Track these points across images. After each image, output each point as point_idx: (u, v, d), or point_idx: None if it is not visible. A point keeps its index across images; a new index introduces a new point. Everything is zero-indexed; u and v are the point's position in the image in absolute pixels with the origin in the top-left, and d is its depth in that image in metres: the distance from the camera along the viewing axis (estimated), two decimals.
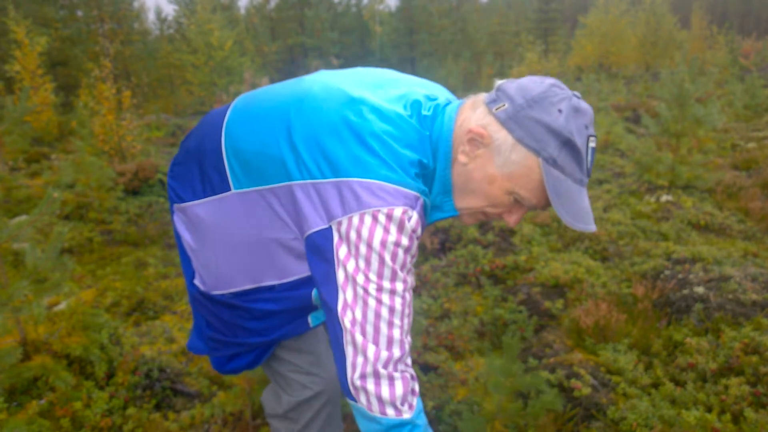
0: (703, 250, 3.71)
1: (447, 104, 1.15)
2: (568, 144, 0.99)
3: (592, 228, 1.04)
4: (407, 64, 34.33)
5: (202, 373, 2.68)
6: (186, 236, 1.30)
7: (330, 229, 1.03)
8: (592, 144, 1.03)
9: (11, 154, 8.01)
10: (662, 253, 3.78)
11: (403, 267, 1.02)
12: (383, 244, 0.99)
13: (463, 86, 25.97)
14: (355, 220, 0.99)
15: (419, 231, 1.03)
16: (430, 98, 1.14)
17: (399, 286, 1.02)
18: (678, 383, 2.42)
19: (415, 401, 1.05)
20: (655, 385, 2.43)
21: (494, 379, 1.96)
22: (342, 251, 1.01)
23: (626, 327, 2.86)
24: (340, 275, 1.02)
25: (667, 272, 3.41)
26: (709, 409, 2.19)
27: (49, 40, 14.21)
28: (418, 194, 1.03)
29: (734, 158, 6.91)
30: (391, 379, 1.02)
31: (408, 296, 1.05)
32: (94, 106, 7.91)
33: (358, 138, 1.03)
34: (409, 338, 1.06)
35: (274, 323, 1.31)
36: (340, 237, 1.01)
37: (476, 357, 2.82)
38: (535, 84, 1.03)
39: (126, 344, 2.75)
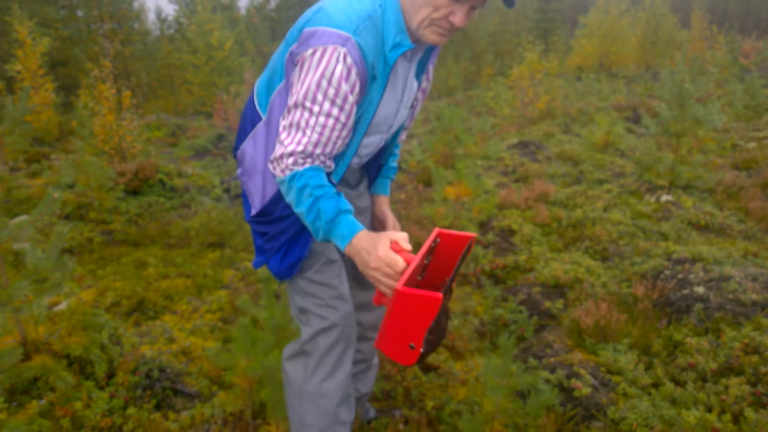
0: (704, 250, 3.70)
1: None
2: None
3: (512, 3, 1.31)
4: None
5: (202, 373, 2.68)
6: (242, 178, 1.67)
7: (294, 64, 1.42)
8: None
9: (11, 154, 8.01)
10: (662, 253, 3.78)
11: (337, 94, 1.34)
12: (323, 72, 1.32)
13: (464, 86, 25.95)
14: (306, 54, 1.35)
15: (350, 63, 1.33)
16: None
17: (333, 110, 1.35)
18: (678, 383, 2.42)
19: (308, 164, 1.38)
20: (656, 385, 2.42)
21: (491, 380, 1.97)
22: (294, 77, 1.41)
23: (626, 327, 2.86)
24: (289, 95, 1.42)
25: (667, 272, 3.41)
26: (710, 409, 2.19)
27: (50, 41, 14.21)
28: (348, 35, 1.33)
29: (734, 158, 6.91)
30: (290, 156, 1.38)
31: (324, 121, 1.36)
32: (94, 106, 7.91)
33: (317, 7, 1.41)
34: (317, 151, 1.39)
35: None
36: (297, 67, 1.39)
37: (476, 357, 2.82)
38: None
39: (126, 344, 2.75)
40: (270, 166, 1.43)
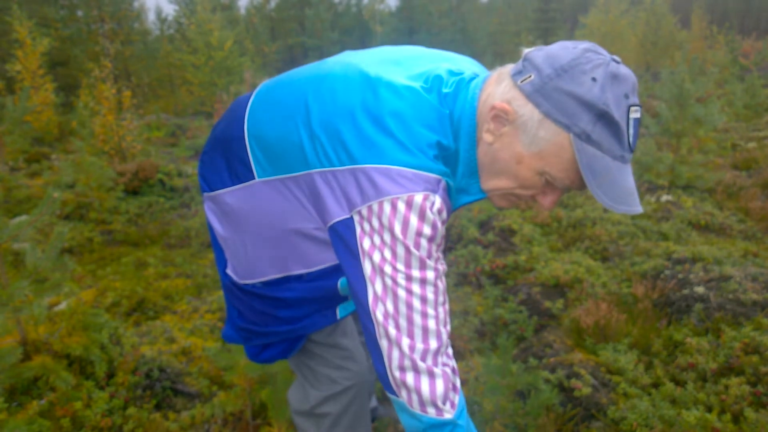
0: (704, 249, 3.70)
1: (472, 79, 1.06)
2: (603, 117, 0.88)
3: (637, 209, 0.95)
4: None
5: (202, 373, 2.68)
6: (216, 225, 1.28)
7: (351, 219, 0.98)
8: (635, 114, 0.91)
9: (11, 154, 8.01)
10: (662, 252, 3.78)
11: (429, 255, 0.96)
12: (405, 232, 0.93)
13: None
14: (375, 208, 0.94)
15: (443, 215, 0.98)
16: (453, 73, 1.06)
17: (429, 275, 0.96)
18: (678, 383, 2.42)
19: (457, 399, 1.01)
20: (656, 385, 2.43)
21: (491, 380, 1.97)
22: (366, 242, 0.97)
23: (626, 327, 2.86)
24: (367, 267, 0.97)
25: (667, 272, 3.41)
26: (710, 409, 2.19)
27: (50, 41, 14.21)
28: (439, 177, 0.97)
29: (734, 158, 6.91)
30: (431, 375, 0.97)
31: (441, 284, 0.99)
32: (95, 106, 7.92)
33: (374, 120, 0.98)
34: (447, 327, 1.01)
35: (303, 312, 1.30)
36: (362, 227, 0.97)
37: (476, 357, 2.82)
38: (565, 50, 0.92)
39: (126, 344, 2.75)
40: (394, 386, 1.00)
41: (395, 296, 0.96)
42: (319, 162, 1.02)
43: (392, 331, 0.97)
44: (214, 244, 1.36)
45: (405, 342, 0.96)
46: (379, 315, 0.98)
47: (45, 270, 2.29)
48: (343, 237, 1.01)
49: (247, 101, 1.21)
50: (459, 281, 3.74)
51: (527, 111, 0.94)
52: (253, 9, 34.25)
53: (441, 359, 0.99)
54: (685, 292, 3.09)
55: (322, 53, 29.37)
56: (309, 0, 32.71)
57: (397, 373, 0.98)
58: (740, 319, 2.76)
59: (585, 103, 0.88)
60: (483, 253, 4.00)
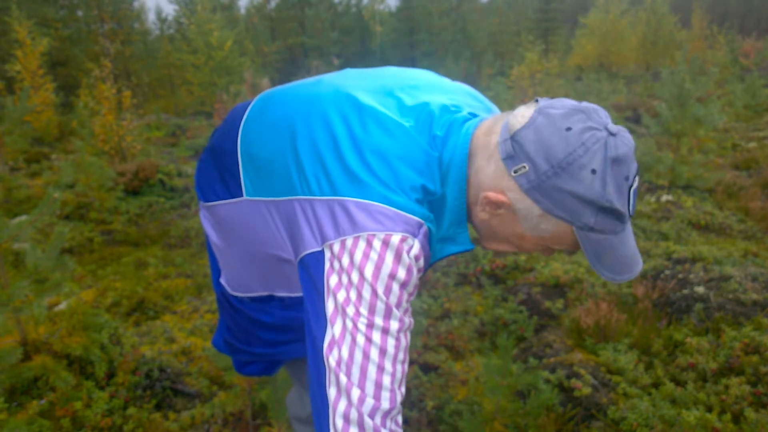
0: (704, 249, 3.70)
1: (466, 120, 1.00)
2: (606, 210, 0.85)
3: (636, 273, 0.93)
4: (407, 64, 34.17)
5: (202, 373, 2.68)
6: (211, 234, 1.24)
7: (322, 252, 0.92)
8: (634, 186, 0.87)
9: (11, 154, 8.01)
10: (662, 252, 3.78)
11: (398, 304, 0.89)
12: (377, 274, 0.87)
13: None
14: (349, 243, 0.88)
15: (420, 263, 0.91)
16: (447, 111, 1.00)
17: (393, 325, 0.88)
18: (678, 383, 2.42)
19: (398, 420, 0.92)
20: (656, 385, 2.42)
21: (491, 380, 1.97)
22: (333, 279, 0.90)
23: (626, 327, 2.86)
24: (330, 306, 0.89)
25: (667, 272, 3.41)
26: (710, 409, 2.19)
27: (50, 41, 14.22)
28: (421, 221, 0.91)
29: (734, 158, 6.91)
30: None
31: (404, 340, 0.90)
32: (95, 106, 7.92)
33: (359, 153, 0.93)
34: (402, 390, 0.92)
35: (286, 338, 1.26)
36: (332, 263, 0.90)
37: (476, 357, 2.82)
38: (558, 135, 0.85)
39: (126, 344, 2.75)
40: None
41: (353, 342, 0.87)
42: (302, 189, 0.97)
43: (343, 378, 0.87)
44: (210, 252, 1.35)
45: (355, 393, 0.87)
46: (332, 360, 0.88)
47: (45, 270, 2.29)
48: (309, 270, 0.94)
49: (243, 113, 1.16)
50: (459, 281, 3.74)
51: (526, 205, 0.90)
52: (253, 9, 34.24)
53: (390, 424, 0.89)
54: (685, 292, 3.09)
55: (322, 53, 29.37)
56: (309, 0, 32.70)
57: (339, 423, 0.88)
58: (740, 319, 2.76)
59: (587, 201, 0.84)
60: (483, 253, 4.00)
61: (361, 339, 0.87)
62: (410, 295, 0.92)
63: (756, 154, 6.82)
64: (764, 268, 3.35)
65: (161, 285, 3.87)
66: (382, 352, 0.88)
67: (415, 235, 0.89)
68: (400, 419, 0.92)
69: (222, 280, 1.29)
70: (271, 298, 1.22)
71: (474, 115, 1.03)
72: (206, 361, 2.76)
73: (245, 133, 1.12)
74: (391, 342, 0.88)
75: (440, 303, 3.36)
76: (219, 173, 1.17)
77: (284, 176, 1.00)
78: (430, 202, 0.96)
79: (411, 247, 0.89)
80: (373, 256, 0.87)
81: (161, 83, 24.48)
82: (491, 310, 3.28)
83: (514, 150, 0.88)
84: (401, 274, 0.88)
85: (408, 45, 33.50)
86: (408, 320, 0.92)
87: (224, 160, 1.15)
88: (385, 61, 31.69)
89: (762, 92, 10.96)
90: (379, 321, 0.88)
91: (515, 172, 0.88)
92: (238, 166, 1.11)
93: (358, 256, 0.87)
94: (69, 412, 2.22)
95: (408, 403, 2.42)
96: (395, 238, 0.87)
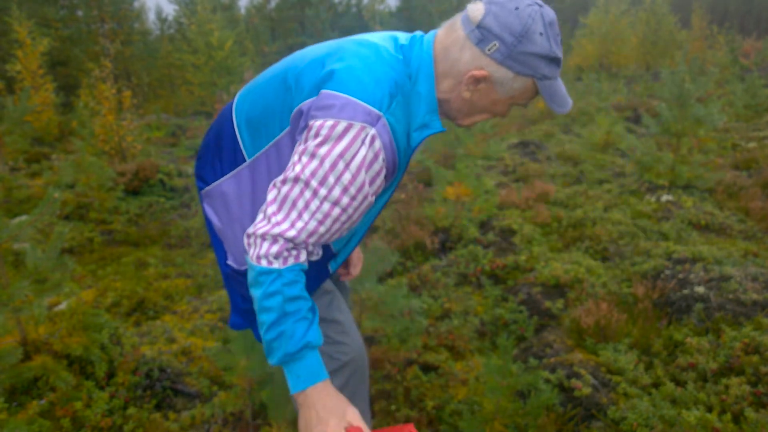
0: (704, 249, 3.70)
1: (423, 35, 1.30)
2: (553, 59, 1.17)
3: (569, 107, 1.24)
4: None
5: (202, 373, 2.68)
6: (213, 219, 1.41)
7: (297, 137, 1.19)
8: (560, 37, 1.19)
9: (12, 154, 8.01)
10: (662, 252, 3.78)
11: (339, 178, 1.10)
12: (332, 151, 1.09)
13: None
14: (317, 124, 1.11)
15: (377, 145, 1.12)
16: (407, 34, 1.33)
17: (322, 192, 1.10)
18: (678, 383, 2.42)
19: (291, 261, 1.12)
20: (656, 385, 2.42)
21: (491, 380, 1.97)
22: (300, 144, 1.14)
23: (626, 327, 2.86)
24: (292, 164, 1.13)
25: (667, 272, 3.41)
26: (710, 409, 2.19)
27: (50, 41, 14.21)
28: (380, 113, 1.13)
29: (735, 158, 6.91)
30: (274, 242, 1.11)
31: (328, 209, 1.12)
32: (95, 106, 7.92)
33: (339, 59, 1.19)
34: (311, 240, 1.14)
35: None
36: (303, 137, 1.14)
37: (477, 357, 2.82)
38: (512, 15, 1.14)
39: (126, 344, 2.75)
40: (245, 239, 1.15)
41: (293, 186, 1.11)
42: (292, 105, 1.21)
43: (272, 207, 1.13)
44: (214, 239, 1.46)
45: (275, 218, 1.12)
46: (270, 194, 1.14)
47: (45, 270, 2.29)
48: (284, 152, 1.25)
49: (231, 104, 1.40)
50: (459, 281, 3.74)
51: (501, 73, 1.18)
52: (253, 9, 34.24)
53: (288, 246, 1.12)
54: (686, 292, 3.09)
55: None
56: (309, 0, 32.69)
57: (253, 231, 1.12)
58: (740, 319, 2.76)
59: (543, 56, 1.15)
60: (483, 253, 4.00)
61: (307, 193, 1.10)
62: (371, 180, 1.14)
63: (756, 154, 6.81)
64: (764, 268, 3.34)
65: (161, 285, 3.87)
66: (306, 205, 1.11)
67: (372, 125, 1.11)
68: (300, 255, 1.14)
69: (229, 262, 1.42)
70: None
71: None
72: (206, 361, 2.76)
73: (238, 110, 1.36)
74: (315, 203, 1.11)
75: (440, 303, 3.36)
76: (219, 157, 1.38)
77: (278, 113, 1.25)
78: (405, 96, 1.19)
79: (367, 135, 1.11)
80: (342, 138, 1.09)
81: (161, 83, 24.47)
82: (491, 310, 3.28)
83: (483, 35, 1.16)
84: (361, 153, 1.10)
85: None
86: (352, 211, 1.15)
87: (223, 144, 1.37)
88: None
89: (762, 92, 10.95)
90: (314, 183, 1.10)
91: (489, 50, 1.16)
92: (236, 138, 1.33)
93: (328, 134, 1.10)
94: (69, 412, 2.22)
95: (408, 403, 2.42)
96: (354, 127, 1.10)
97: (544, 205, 5.15)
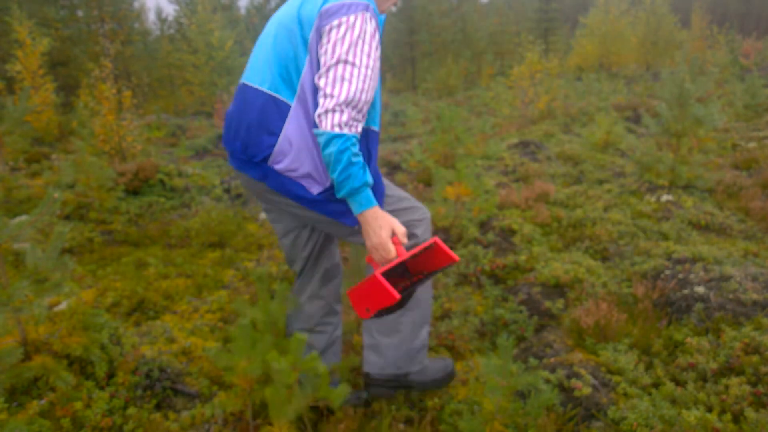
0: (704, 249, 3.70)
1: None
2: None
3: None
4: (407, 64, 34.29)
5: (202, 373, 2.68)
6: (290, 166, 1.82)
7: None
8: None
9: (12, 154, 8.00)
10: (663, 252, 3.78)
11: (376, 47, 1.72)
12: (353, 34, 1.65)
13: (464, 86, 25.94)
14: (335, 22, 1.67)
15: (374, 23, 1.72)
16: None
17: (357, 62, 1.65)
18: (678, 383, 2.42)
19: (354, 130, 1.64)
20: (656, 385, 2.42)
21: (491, 380, 1.96)
22: (327, 44, 1.69)
23: (626, 327, 2.86)
24: (327, 55, 1.69)
25: (667, 272, 3.41)
26: (710, 409, 2.19)
27: (50, 41, 14.21)
28: (368, 2, 1.73)
29: (735, 158, 6.91)
30: (341, 112, 1.62)
31: (364, 72, 1.67)
32: (95, 106, 7.91)
33: None
34: (363, 97, 1.66)
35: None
36: (327, 38, 1.69)
37: (477, 357, 2.82)
38: None
39: (126, 344, 2.75)
40: (316, 119, 1.64)
41: (344, 67, 1.65)
42: (303, 42, 1.75)
43: (335, 87, 1.65)
44: (292, 186, 1.87)
45: (335, 91, 1.64)
46: (322, 81, 1.69)
47: (45, 270, 2.29)
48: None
49: (245, 86, 1.92)
50: (459, 281, 3.74)
51: None
52: (254, 9, 34.22)
53: (353, 113, 1.65)
54: (686, 292, 3.09)
55: None
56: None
57: (320, 110, 1.65)
58: (740, 319, 2.76)
59: None
60: (483, 253, 4.00)
61: (348, 67, 1.65)
62: (377, 45, 1.73)
63: (756, 154, 6.81)
64: (764, 268, 3.34)
65: (161, 285, 3.87)
66: (360, 73, 1.66)
67: (368, 10, 1.71)
68: (361, 116, 1.70)
69: (313, 191, 1.86)
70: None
71: None
72: (206, 361, 2.76)
73: (261, 81, 1.87)
74: (365, 70, 1.68)
75: (440, 303, 3.36)
76: (264, 127, 1.82)
77: (294, 47, 1.78)
78: None
79: (367, 17, 1.69)
80: (356, 23, 1.67)
81: (161, 83, 24.45)
82: (491, 310, 3.28)
83: None
84: (369, 29, 1.69)
85: (408, 45, 33.49)
86: (376, 69, 1.72)
87: (263, 117, 1.82)
88: (385, 61, 31.65)
89: (762, 92, 10.95)
90: (359, 55, 1.67)
91: None
92: (275, 99, 1.80)
93: (347, 24, 1.67)
94: (69, 412, 2.22)
95: (408, 402, 2.42)
96: (360, 13, 1.69)
97: (544, 205, 5.15)
